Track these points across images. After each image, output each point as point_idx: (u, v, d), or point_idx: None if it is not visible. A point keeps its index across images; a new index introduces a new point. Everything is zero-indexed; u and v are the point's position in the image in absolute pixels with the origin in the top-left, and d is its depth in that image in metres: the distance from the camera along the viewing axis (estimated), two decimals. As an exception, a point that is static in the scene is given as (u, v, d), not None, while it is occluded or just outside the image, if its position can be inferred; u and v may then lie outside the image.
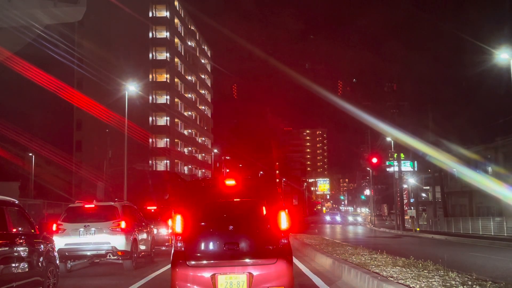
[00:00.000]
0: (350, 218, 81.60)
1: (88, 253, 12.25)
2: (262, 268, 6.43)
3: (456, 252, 20.01)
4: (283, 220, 6.71)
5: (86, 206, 12.78)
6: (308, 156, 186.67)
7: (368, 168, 71.37)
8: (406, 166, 53.25)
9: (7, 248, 7.43)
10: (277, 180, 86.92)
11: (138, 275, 11.54)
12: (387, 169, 60.46)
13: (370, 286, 7.80)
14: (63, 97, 46.87)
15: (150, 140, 58.67)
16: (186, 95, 70.44)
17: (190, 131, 71.63)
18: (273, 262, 6.47)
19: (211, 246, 6.57)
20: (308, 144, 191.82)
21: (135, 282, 10.42)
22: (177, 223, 6.64)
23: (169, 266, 8.35)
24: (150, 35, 61.32)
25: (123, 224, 12.42)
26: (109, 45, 55.44)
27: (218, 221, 6.77)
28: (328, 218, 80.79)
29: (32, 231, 8.62)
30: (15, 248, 7.65)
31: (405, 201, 55.90)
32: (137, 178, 43.33)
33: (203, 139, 79.47)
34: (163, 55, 62.60)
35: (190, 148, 71.26)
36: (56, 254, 9.42)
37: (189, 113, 72.29)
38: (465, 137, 43.47)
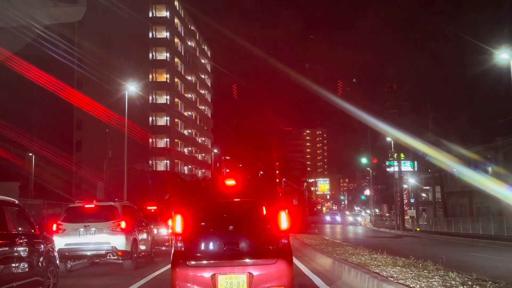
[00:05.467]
0: (350, 218, 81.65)
1: (88, 253, 12.25)
2: (262, 268, 6.43)
3: (456, 252, 20.02)
4: (283, 220, 6.71)
5: (86, 206, 12.77)
6: (308, 156, 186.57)
7: (368, 168, 71.44)
8: (406, 166, 53.26)
9: (7, 248, 7.43)
10: (277, 180, 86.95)
11: (138, 275, 11.54)
12: (387, 169, 60.47)
13: (370, 286, 7.80)
14: (63, 97, 46.86)
15: (150, 140, 58.65)
16: (186, 95, 70.43)
17: (190, 131, 71.62)
18: (273, 262, 6.47)
19: (211, 246, 6.56)
20: (308, 144, 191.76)
21: (135, 282, 10.42)
22: (177, 223, 6.64)
23: (169, 266, 8.35)
24: (150, 35, 61.32)
25: (123, 224, 12.42)
26: (109, 45, 55.42)
27: (218, 221, 6.77)
28: (328, 218, 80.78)
29: (32, 231, 8.62)
30: (15, 248, 7.65)
31: (405, 201, 55.92)
32: (137, 178, 43.36)
33: (203, 139, 79.47)
34: (163, 55, 62.59)
35: (190, 148, 71.25)
36: (56, 254, 9.42)
37: (189, 113, 72.28)
38: (465, 137, 43.53)
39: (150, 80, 59.26)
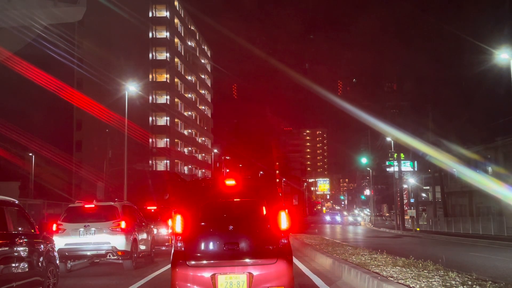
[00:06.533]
0: (350, 218, 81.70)
1: (88, 253, 12.25)
2: (262, 268, 6.43)
3: (456, 252, 20.02)
4: (283, 220, 6.71)
5: (86, 206, 12.76)
6: (308, 156, 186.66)
7: (368, 168, 71.45)
8: (406, 166, 53.28)
9: (7, 248, 7.42)
10: (277, 180, 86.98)
11: (138, 275, 11.54)
12: (387, 169, 60.50)
13: (370, 286, 7.80)
14: (63, 97, 46.87)
15: (150, 140, 58.66)
16: (186, 95, 70.43)
17: (190, 131, 71.63)
18: (273, 262, 6.47)
19: (211, 246, 6.56)
20: (308, 144, 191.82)
21: (135, 282, 10.42)
22: (177, 223, 6.64)
23: (169, 266, 8.35)
24: (150, 35, 61.33)
25: (123, 224, 12.41)
26: (109, 45, 55.41)
27: (218, 221, 6.76)
28: (328, 218, 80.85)
29: (32, 231, 8.62)
30: (15, 248, 7.65)
31: (405, 201, 55.93)
32: (137, 178, 43.35)
33: (203, 139, 79.47)
34: (163, 55, 62.60)
35: (190, 148, 71.26)
36: (56, 254, 9.41)
37: (189, 113, 72.29)
38: (465, 137, 43.50)
39: (150, 80, 59.27)
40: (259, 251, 6.52)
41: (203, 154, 78.72)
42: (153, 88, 60.20)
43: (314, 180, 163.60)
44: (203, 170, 76.54)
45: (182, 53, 69.08)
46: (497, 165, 39.70)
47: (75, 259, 12.75)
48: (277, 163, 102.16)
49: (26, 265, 7.89)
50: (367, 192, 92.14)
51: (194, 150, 73.35)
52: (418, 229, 42.85)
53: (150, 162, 58.65)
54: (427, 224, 47.62)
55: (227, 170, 68.45)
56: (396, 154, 48.26)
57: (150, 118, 59.74)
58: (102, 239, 12.19)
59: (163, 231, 17.60)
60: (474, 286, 7.14)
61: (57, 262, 9.44)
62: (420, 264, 9.48)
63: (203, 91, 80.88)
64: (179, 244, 6.57)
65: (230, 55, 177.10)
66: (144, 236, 14.22)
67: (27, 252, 7.99)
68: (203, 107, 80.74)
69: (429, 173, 54.28)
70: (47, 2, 18.50)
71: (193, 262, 6.46)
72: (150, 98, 59.08)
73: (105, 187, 44.07)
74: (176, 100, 65.42)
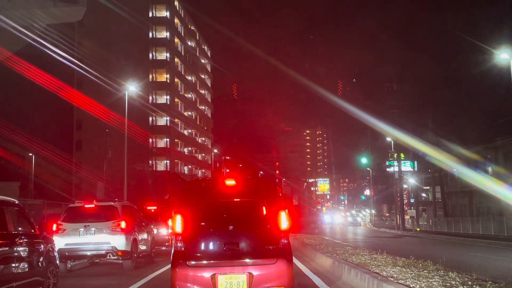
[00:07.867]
0: (350, 219, 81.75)
1: (88, 253, 12.25)
2: (262, 268, 6.43)
3: (456, 252, 20.02)
4: (283, 220, 6.71)
5: (86, 206, 12.76)
6: (308, 156, 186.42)
7: (368, 168, 71.46)
8: (406, 166, 53.27)
9: (7, 248, 7.42)
10: (277, 180, 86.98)
11: (138, 275, 11.53)
12: (387, 169, 60.50)
13: (370, 286, 7.80)
14: (63, 97, 46.85)
15: (150, 140, 58.64)
16: (186, 95, 70.42)
17: (190, 131, 71.60)
18: (273, 262, 6.47)
19: (211, 246, 6.57)
20: (308, 144, 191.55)
21: (135, 282, 10.42)
22: (177, 223, 6.64)
23: (169, 266, 8.35)
24: (150, 35, 61.32)
25: (123, 224, 12.41)
26: (109, 45, 55.42)
27: (218, 221, 6.77)
28: (328, 218, 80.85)
29: (32, 231, 8.61)
30: (15, 248, 7.65)
31: (405, 201, 55.93)
32: (137, 178, 43.34)
33: (203, 139, 79.46)
34: (163, 55, 62.58)
35: (190, 148, 71.24)
36: (56, 254, 9.41)
37: (189, 113, 72.27)
38: (465, 137, 43.46)
39: (150, 80, 59.25)
40: (259, 251, 6.52)
41: (203, 154, 78.70)
42: (153, 88, 60.19)
43: (314, 180, 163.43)
44: (203, 170, 76.53)
45: (182, 53, 69.07)
46: (497, 165, 39.68)
47: (75, 259, 12.74)
48: (277, 163, 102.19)
49: (26, 265, 7.88)
50: (367, 192, 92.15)
51: (194, 150, 73.34)
52: (418, 229, 42.86)
53: (150, 162, 58.63)
54: (427, 224, 47.61)
55: (227, 170, 68.39)
56: (396, 154, 48.27)
57: (150, 118, 59.71)
58: (102, 239, 12.19)
59: (163, 231, 17.61)
60: (474, 286, 7.14)
61: (57, 262, 9.44)
62: (420, 264, 9.48)
63: (203, 91, 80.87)
64: (179, 244, 6.57)
65: (230, 55, 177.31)
66: (144, 236, 14.22)
67: (27, 252, 7.99)
68: (203, 107, 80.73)
69: (429, 173, 54.27)
70: (47, 2, 18.51)
71: (193, 262, 6.46)
72: (150, 98, 59.05)
73: (105, 187, 44.03)
74: (176, 100, 65.40)
